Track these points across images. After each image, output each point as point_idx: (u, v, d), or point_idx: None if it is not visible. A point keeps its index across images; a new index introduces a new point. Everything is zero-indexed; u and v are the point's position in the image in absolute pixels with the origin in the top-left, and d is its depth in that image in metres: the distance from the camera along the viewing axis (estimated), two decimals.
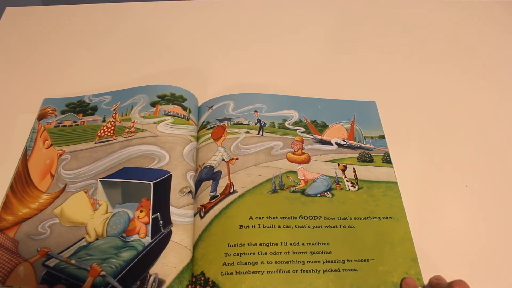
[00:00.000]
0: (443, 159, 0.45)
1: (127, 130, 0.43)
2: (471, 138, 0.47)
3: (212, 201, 0.39)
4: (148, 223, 0.37)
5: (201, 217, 0.38)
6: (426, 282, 0.36)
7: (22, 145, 0.43)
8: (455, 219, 0.40)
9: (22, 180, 0.40)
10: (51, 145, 0.43)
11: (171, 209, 0.38)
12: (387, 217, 0.39)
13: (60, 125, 0.45)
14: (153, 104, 0.45)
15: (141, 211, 0.37)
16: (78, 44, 0.55)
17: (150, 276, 0.34)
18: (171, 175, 0.39)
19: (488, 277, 0.37)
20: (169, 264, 0.35)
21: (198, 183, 0.40)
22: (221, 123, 0.45)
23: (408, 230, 0.39)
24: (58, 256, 0.35)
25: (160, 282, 0.34)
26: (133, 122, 0.44)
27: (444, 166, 0.44)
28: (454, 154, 0.45)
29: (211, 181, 0.40)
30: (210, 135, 0.44)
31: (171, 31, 0.57)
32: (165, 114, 0.44)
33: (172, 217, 0.37)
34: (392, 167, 0.43)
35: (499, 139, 0.47)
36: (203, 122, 0.45)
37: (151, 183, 0.37)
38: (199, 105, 0.47)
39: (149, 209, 0.37)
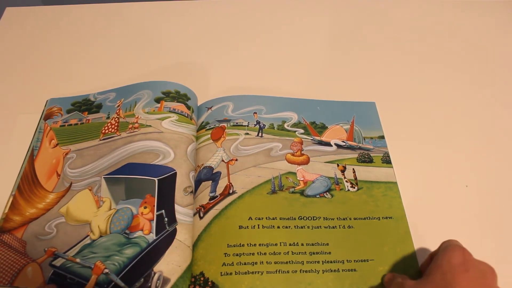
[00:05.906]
0: (443, 159, 0.44)
1: (130, 125, 0.43)
2: (471, 138, 0.46)
3: (211, 201, 0.39)
4: (152, 220, 0.36)
5: (200, 218, 0.38)
6: None
7: (27, 145, 0.43)
8: (455, 219, 0.40)
9: (29, 181, 0.40)
10: (57, 144, 0.43)
11: (176, 207, 0.37)
12: (386, 217, 0.39)
13: (66, 124, 0.44)
14: (158, 100, 0.44)
15: (145, 207, 0.37)
16: (79, 44, 0.55)
17: (155, 273, 0.33)
18: (176, 172, 0.39)
19: None
20: (174, 262, 0.34)
21: (197, 183, 0.40)
22: (221, 124, 0.45)
23: (408, 230, 0.39)
24: (64, 255, 0.34)
25: (165, 280, 0.33)
26: (137, 117, 0.43)
27: (444, 166, 0.44)
28: (454, 154, 0.45)
29: (210, 181, 0.40)
30: (209, 136, 0.44)
31: (170, 32, 0.57)
32: (170, 111, 0.43)
33: (177, 216, 0.37)
34: (392, 167, 0.43)
35: (499, 139, 0.46)
36: (202, 122, 0.45)
37: (155, 179, 0.36)
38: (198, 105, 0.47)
39: (153, 206, 0.36)
